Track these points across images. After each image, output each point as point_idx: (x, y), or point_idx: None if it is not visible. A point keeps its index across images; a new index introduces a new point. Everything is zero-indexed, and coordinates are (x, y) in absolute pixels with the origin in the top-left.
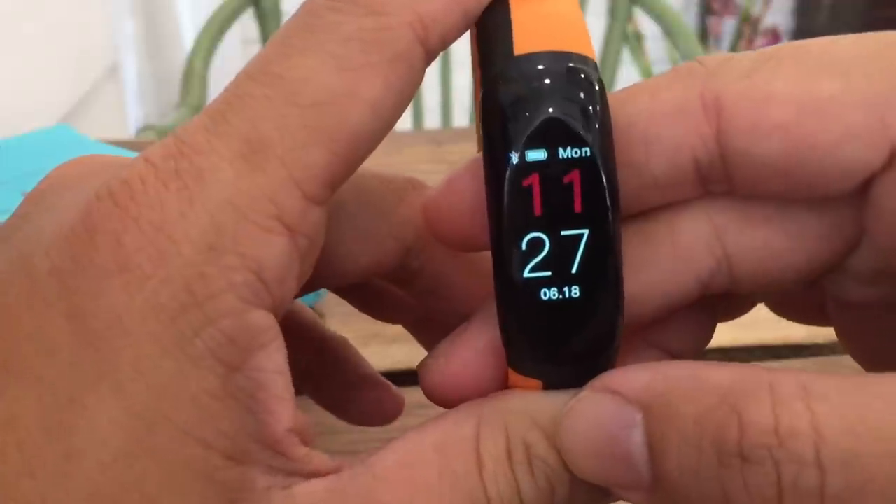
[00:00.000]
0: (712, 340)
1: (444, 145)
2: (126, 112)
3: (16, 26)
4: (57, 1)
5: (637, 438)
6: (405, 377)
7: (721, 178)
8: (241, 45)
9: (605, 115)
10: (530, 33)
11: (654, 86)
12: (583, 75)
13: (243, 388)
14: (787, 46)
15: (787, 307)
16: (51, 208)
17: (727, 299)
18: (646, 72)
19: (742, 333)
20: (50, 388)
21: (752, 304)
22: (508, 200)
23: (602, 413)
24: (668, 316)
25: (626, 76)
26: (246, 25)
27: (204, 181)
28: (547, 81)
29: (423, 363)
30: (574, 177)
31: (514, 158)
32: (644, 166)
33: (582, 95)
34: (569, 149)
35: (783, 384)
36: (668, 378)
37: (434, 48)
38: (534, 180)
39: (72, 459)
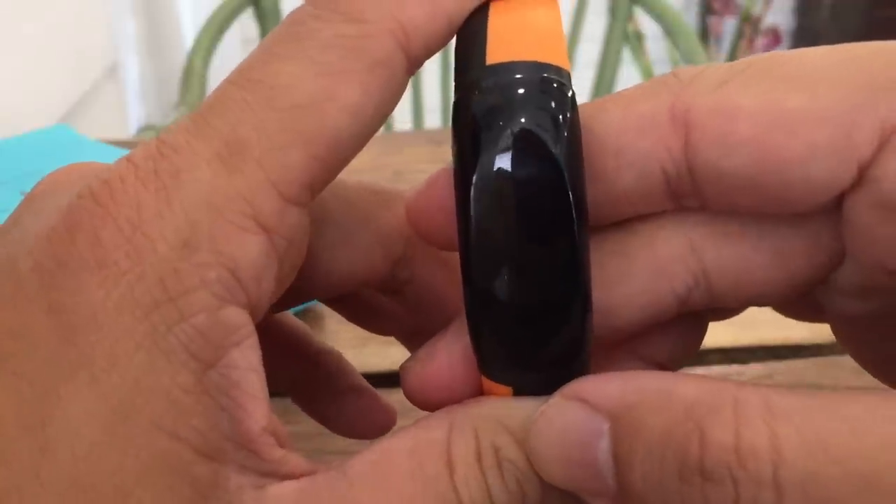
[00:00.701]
0: (713, 340)
1: (444, 145)
2: (126, 112)
3: (16, 26)
4: (57, 1)
5: (604, 448)
6: None
7: (691, 192)
8: (240, 44)
9: (574, 126)
10: (505, 42)
11: (627, 97)
12: (554, 85)
13: (217, 385)
14: (761, 59)
15: (784, 306)
16: (37, 212)
17: (714, 310)
18: (646, 71)
19: (742, 333)
20: (27, 382)
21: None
22: (476, 208)
23: (570, 421)
24: (647, 329)
25: (626, 76)
26: (246, 25)
27: (181, 181)
28: (518, 91)
29: (403, 366)
30: (541, 186)
31: (483, 166)
32: (614, 177)
33: (552, 105)
34: (535, 156)
35: (747, 401)
36: (636, 390)
37: (417, 55)
38: (501, 189)
39: (47, 451)
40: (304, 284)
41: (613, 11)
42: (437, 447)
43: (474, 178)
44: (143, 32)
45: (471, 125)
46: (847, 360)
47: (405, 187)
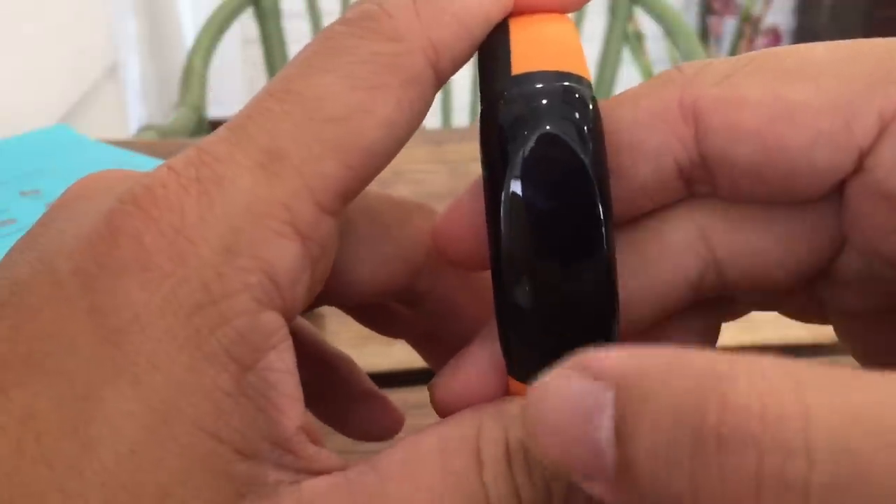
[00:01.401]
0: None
1: (444, 145)
2: (126, 112)
3: (16, 26)
4: (57, 1)
5: (606, 419)
6: (404, 377)
7: (704, 179)
8: (241, 44)
9: (597, 131)
10: (528, 54)
11: (635, 94)
12: (577, 94)
13: (255, 387)
14: (763, 53)
15: (789, 307)
16: (72, 217)
17: (726, 305)
18: (646, 71)
19: (742, 333)
20: (69, 383)
21: (749, 309)
22: (506, 217)
23: (570, 391)
24: (663, 320)
25: (626, 76)
26: (246, 25)
27: (223, 187)
28: (543, 100)
29: (432, 383)
30: (570, 193)
31: (512, 175)
32: (631, 172)
33: (576, 113)
34: (563, 164)
35: (772, 369)
36: (645, 357)
37: (444, 72)
38: (531, 197)
39: (89, 450)
40: (325, 292)
41: (613, 11)
42: (466, 445)
43: (504, 186)
44: (143, 32)
45: (498, 134)
46: (847, 360)
47: (405, 187)
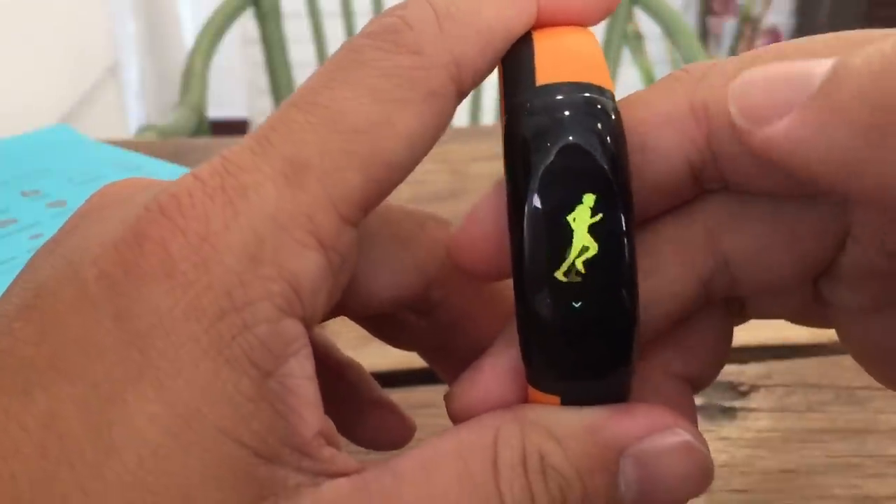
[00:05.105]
0: None
1: (445, 145)
2: (126, 112)
3: (16, 26)
4: (57, 1)
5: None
6: (404, 377)
7: (716, 177)
8: (240, 44)
9: (620, 142)
10: (551, 66)
11: (645, 97)
12: (599, 105)
13: (275, 393)
14: (766, 49)
15: (791, 309)
16: (96, 222)
17: (736, 309)
18: (646, 72)
19: (742, 333)
20: (92, 386)
21: (756, 314)
22: (529, 227)
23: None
24: (677, 322)
25: (626, 76)
26: (246, 25)
27: (247, 197)
28: (566, 111)
29: (448, 392)
30: (591, 200)
31: (535, 183)
32: (645, 173)
33: (599, 124)
34: (587, 175)
35: None
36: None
37: (466, 87)
38: (553, 207)
39: (111, 452)
40: (340, 303)
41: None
42: (483, 450)
43: (527, 198)
44: (143, 32)
45: (522, 144)
46: (847, 360)
47: (406, 188)
